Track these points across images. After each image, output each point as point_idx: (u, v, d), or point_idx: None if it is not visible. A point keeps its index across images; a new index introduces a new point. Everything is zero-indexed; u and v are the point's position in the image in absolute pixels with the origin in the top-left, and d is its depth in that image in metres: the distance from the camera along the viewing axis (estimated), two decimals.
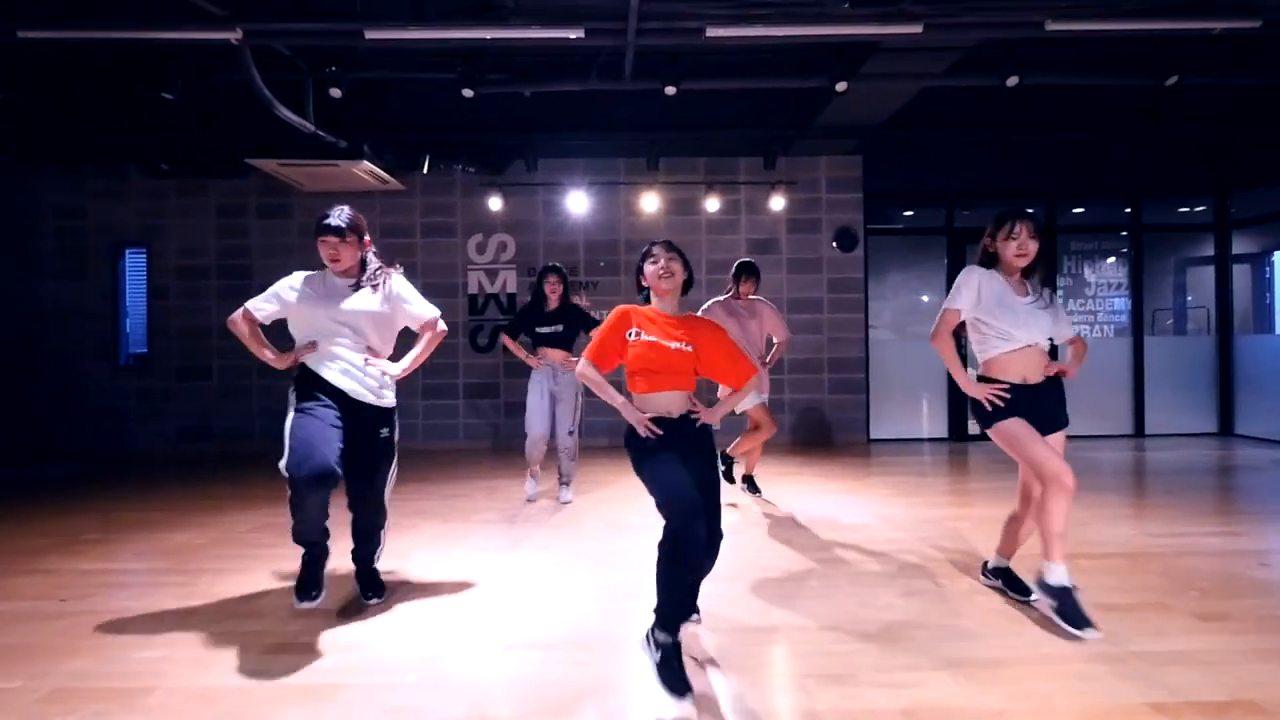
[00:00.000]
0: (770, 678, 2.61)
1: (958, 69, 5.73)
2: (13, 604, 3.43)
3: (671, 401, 2.75)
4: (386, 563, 3.68)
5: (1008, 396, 3.01)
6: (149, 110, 6.14)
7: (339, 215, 3.20)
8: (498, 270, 8.22)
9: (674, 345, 2.72)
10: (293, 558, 3.48)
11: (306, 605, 3.23)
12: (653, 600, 2.45)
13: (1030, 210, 3.15)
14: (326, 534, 3.23)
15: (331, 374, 3.16)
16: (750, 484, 5.55)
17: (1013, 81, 5.33)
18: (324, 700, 2.45)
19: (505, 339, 5.41)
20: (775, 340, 5.31)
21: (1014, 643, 2.84)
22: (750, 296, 5.21)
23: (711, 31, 4.60)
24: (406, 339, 3.40)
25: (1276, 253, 10.09)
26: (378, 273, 3.30)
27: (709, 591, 3.00)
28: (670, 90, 5.39)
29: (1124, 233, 8.72)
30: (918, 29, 4.62)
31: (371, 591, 3.38)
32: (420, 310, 3.40)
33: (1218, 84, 5.98)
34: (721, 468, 4.91)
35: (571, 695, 2.46)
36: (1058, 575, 2.92)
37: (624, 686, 2.55)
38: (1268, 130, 7.57)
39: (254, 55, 4.98)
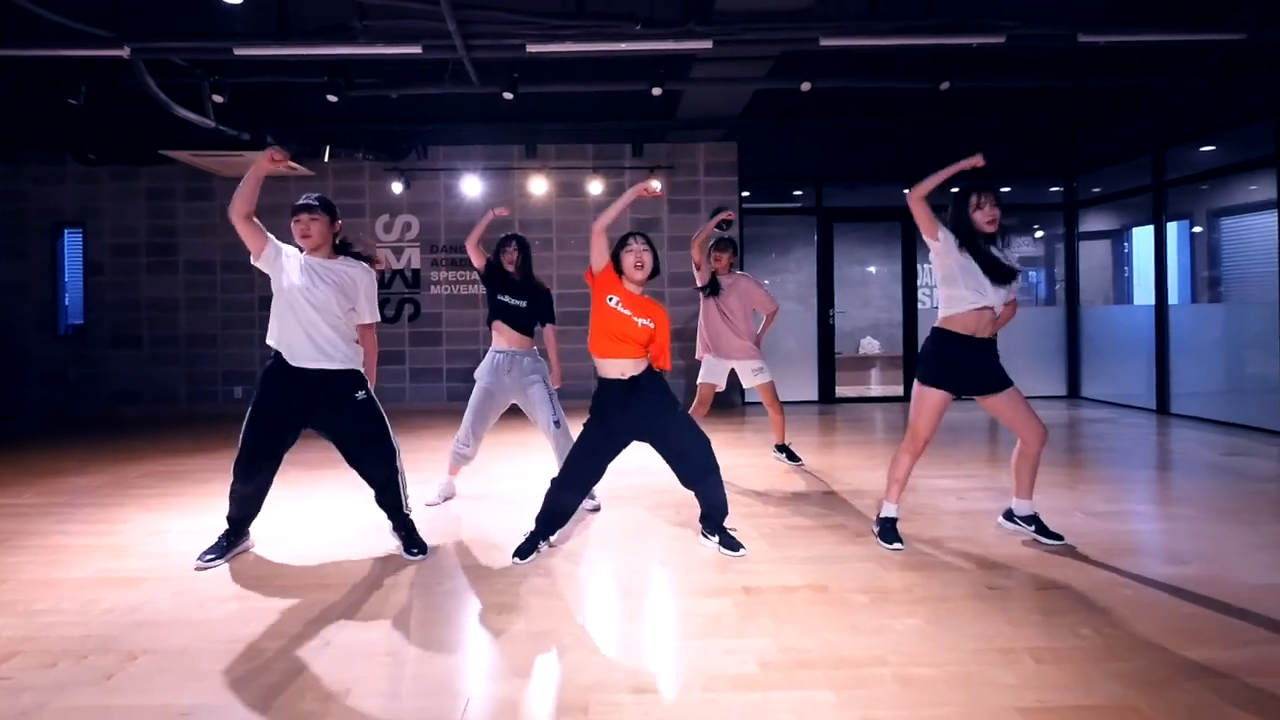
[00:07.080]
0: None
1: (775, 74, 6.54)
2: None
3: (627, 366, 3.39)
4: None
5: None
6: (72, 108, 6.90)
7: (309, 196, 3.43)
8: (403, 248, 9.05)
9: (640, 321, 3.34)
10: (155, 496, 4.50)
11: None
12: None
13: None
14: None
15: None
16: (788, 453, 5.71)
17: (806, 86, 6.15)
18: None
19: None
20: (762, 313, 5.54)
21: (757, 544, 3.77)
22: (728, 272, 5.46)
23: (531, 48, 5.42)
24: None
25: (1134, 229, 11.01)
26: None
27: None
28: (508, 95, 6.19)
29: None
30: (708, 44, 5.44)
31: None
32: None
33: (999, 86, 6.85)
34: (782, 456, 5.69)
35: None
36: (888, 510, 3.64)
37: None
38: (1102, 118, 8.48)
39: (151, 65, 5.77)
